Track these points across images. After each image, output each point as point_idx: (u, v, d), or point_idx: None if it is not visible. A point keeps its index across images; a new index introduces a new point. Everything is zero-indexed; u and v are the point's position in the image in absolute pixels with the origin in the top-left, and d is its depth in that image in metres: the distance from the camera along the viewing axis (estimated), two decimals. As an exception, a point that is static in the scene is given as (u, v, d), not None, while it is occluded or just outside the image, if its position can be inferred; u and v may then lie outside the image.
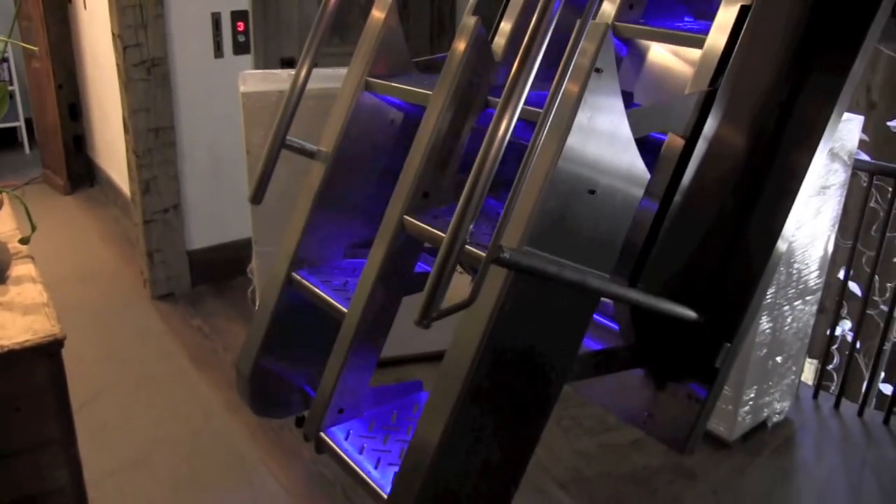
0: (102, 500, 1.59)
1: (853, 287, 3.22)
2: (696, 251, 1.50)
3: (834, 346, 3.16)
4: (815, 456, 2.55)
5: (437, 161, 1.50)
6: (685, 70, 1.63)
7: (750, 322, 1.50)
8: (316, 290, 1.66)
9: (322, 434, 1.56)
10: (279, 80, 2.53)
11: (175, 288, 3.44)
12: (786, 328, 2.46)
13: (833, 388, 3.41)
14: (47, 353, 1.37)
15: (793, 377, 2.62)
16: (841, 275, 3.47)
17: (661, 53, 1.68)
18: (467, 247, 1.07)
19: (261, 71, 2.69)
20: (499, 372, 1.24)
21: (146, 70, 3.12)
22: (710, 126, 1.42)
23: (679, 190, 1.41)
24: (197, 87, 3.28)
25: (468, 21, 1.50)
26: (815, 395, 2.84)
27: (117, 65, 3.17)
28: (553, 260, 1.18)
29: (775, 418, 2.61)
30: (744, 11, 1.40)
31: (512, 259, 1.08)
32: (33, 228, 1.58)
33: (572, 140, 1.19)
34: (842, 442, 2.63)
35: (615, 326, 1.54)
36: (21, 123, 5.58)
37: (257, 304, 2.83)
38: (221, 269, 3.54)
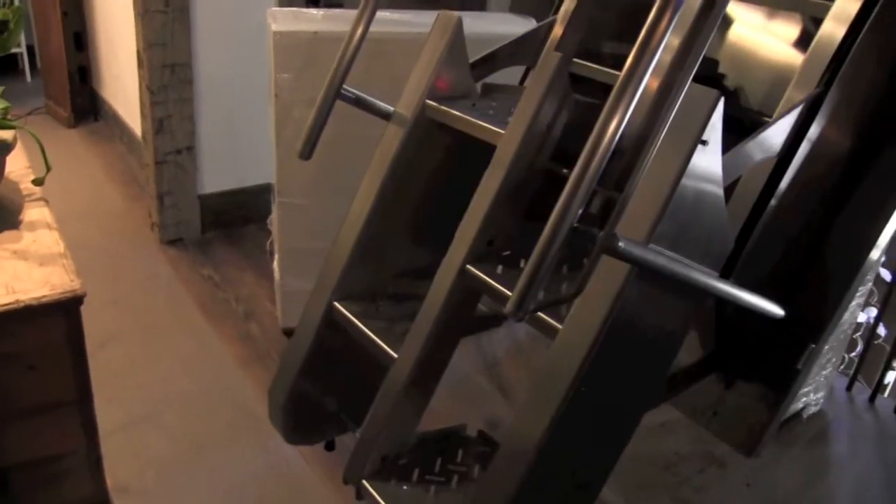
0: (111, 456, 1.50)
1: (883, 273, 3.14)
2: (786, 252, 1.40)
3: (857, 334, 3.08)
4: (850, 450, 2.46)
5: (504, 206, 1.37)
6: (779, 46, 1.49)
7: (836, 325, 1.39)
8: (361, 327, 1.55)
9: (364, 482, 1.47)
10: (312, 19, 2.36)
11: (184, 233, 3.30)
12: (829, 318, 2.36)
13: (850, 372, 3.33)
14: (65, 310, 1.26)
15: (830, 368, 2.53)
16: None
17: (751, 21, 1.54)
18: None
19: (290, 9, 2.52)
20: (604, 379, 1.13)
21: (164, 2, 2.94)
22: (813, 131, 1.30)
23: (775, 195, 1.31)
24: (216, 24, 3.10)
25: (550, 58, 1.34)
26: (849, 388, 2.75)
27: (134, -6, 2.99)
28: (662, 252, 1.06)
29: (811, 410, 2.52)
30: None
31: (625, 249, 0.96)
32: (48, 169, 1.45)
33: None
34: (878, 437, 2.54)
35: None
36: (23, 50, 5.36)
37: (281, 319, 2.71)
38: (234, 216, 3.40)
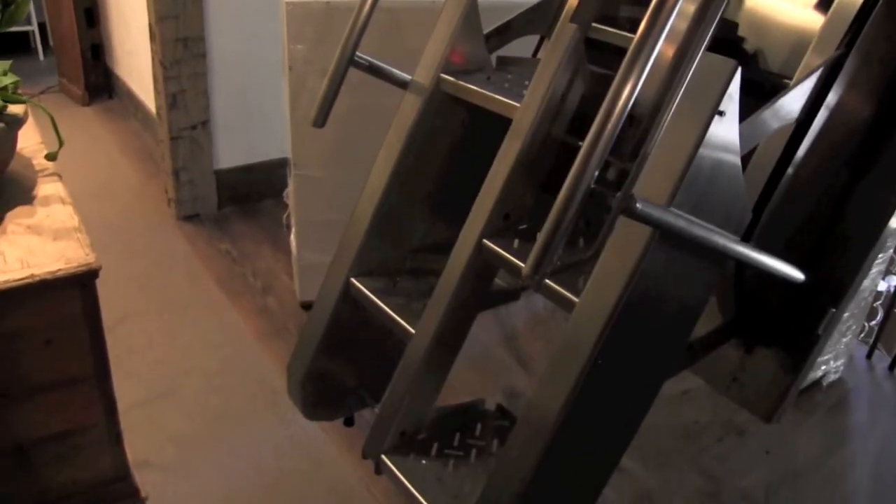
0: (131, 431, 1.51)
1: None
2: (805, 219, 1.37)
3: (877, 303, 3.05)
4: (870, 418, 2.45)
5: (521, 179, 1.36)
6: (799, 7, 1.46)
7: (856, 289, 1.37)
8: (379, 304, 1.54)
9: (383, 457, 1.47)
10: (324, -10, 2.34)
11: (201, 209, 3.30)
12: (850, 285, 2.33)
13: (870, 340, 3.31)
14: (80, 284, 1.26)
15: (850, 336, 2.51)
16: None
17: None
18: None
19: (302, -20, 2.49)
20: (622, 351, 1.12)
21: (175, -26, 2.92)
22: (832, 97, 1.27)
23: (793, 162, 1.29)
24: (229, -5, 3.08)
25: (566, 30, 1.31)
26: (869, 355, 2.73)
27: (144, -33, 2.97)
28: (682, 215, 1.04)
29: (831, 377, 2.50)
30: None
31: (643, 210, 0.94)
32: (60, 143, 1.44)
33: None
34: (898, 406, 2.53)
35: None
36: (34, 28, 5.34)
37: (301, 302, 2.71)
38: (250, 190, 3.40)
